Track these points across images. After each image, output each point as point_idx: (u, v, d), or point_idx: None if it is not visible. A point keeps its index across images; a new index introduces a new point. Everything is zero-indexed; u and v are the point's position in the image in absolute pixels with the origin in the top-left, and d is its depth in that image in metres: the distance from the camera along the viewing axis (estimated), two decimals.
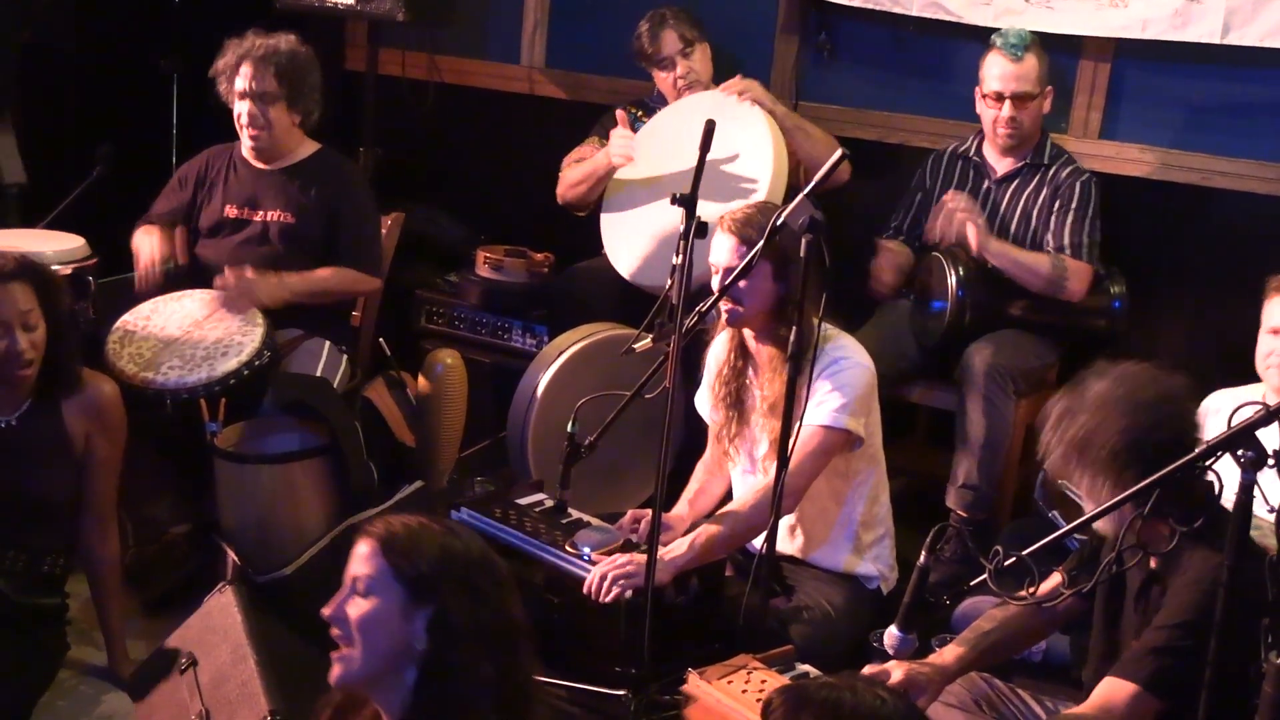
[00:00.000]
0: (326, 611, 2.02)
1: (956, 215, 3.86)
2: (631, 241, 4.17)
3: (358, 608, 1.98)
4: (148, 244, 3.80)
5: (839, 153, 2.76)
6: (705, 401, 3.45)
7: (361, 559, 2.01)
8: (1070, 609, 2.60)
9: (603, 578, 2.93)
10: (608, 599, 2.91)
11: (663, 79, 4.38)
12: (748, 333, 3.25)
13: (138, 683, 2.97)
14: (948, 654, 2.58)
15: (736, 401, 3.29)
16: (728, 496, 3.45)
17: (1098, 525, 2.35)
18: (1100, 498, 2.28)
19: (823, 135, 4.15)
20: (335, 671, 2.01)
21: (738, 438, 3.32)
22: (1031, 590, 2.26)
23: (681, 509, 3.39)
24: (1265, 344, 3.14)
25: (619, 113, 4.32)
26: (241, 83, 3.77)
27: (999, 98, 3.94)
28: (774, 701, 1.82)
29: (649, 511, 3.20)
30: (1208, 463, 2.04)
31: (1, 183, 4.39)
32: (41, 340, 3.02)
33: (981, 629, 2.63)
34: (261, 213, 3.83)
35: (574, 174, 4.37)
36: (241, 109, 3.79)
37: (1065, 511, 3.38)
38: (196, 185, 3.93)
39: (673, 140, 4.13)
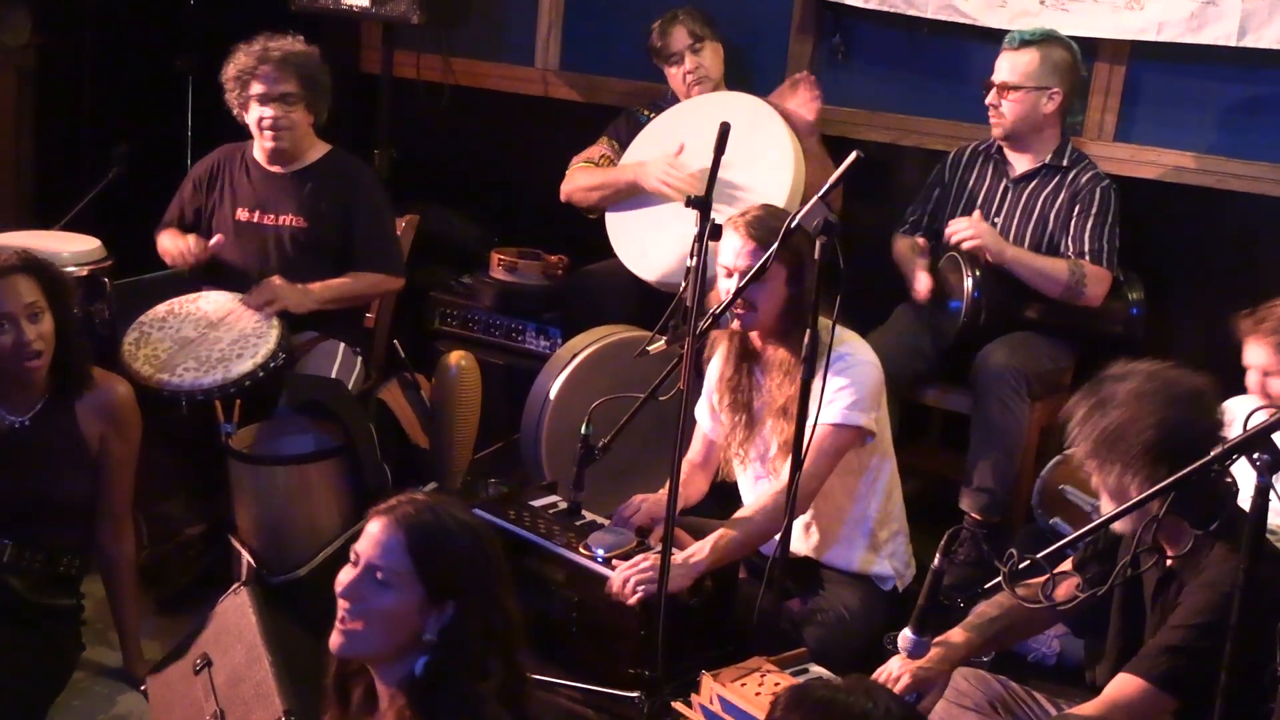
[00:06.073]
0: (339, 587, 1.98)
1: (965, 245, 3.85)
2: (638, 240, 4.17)
3: (373, 596, 1.97)
4: (179, 241, 3.81)
5: (854, 154, 2.75)
6: (705, 411, 3.44)
7: (382, 546, 1.97)
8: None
9: (625, 581, 2.92)
10: (633, 601, 2.90)
11: (673, 75, 4.40)
12: (753, 336, 3.24)
13: (153, 684, 2.98)
14: (955, 636, 2.59)
15: (745, 406, 3.28)
16: (725, 498, 3.44)
17: (1115, 524, 2.34)
18: (1128, 494, 2.27)
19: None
20: (338, 642, 1.99)
21: (747, 442, 3.30)
22: (1048, 594, 2.26)
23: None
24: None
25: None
26: (260, 86, 3.75)
27: (991, 85, 3.95)
28: (778, 700, 1.87)
29: (636, 501, 3.20)
30: (1225, 465, 2.03)
31: None
32: (50, 333, 3.00)
33: (988, 615, 2.64)
34: (273, 216, 3.84)
35: (589, 179, 4.35)
36: (264, 113, 3.76)
37: (1067, 517, 3.37)
38: (208, 187, 3.93)
39: (682, 139, 4.12)
